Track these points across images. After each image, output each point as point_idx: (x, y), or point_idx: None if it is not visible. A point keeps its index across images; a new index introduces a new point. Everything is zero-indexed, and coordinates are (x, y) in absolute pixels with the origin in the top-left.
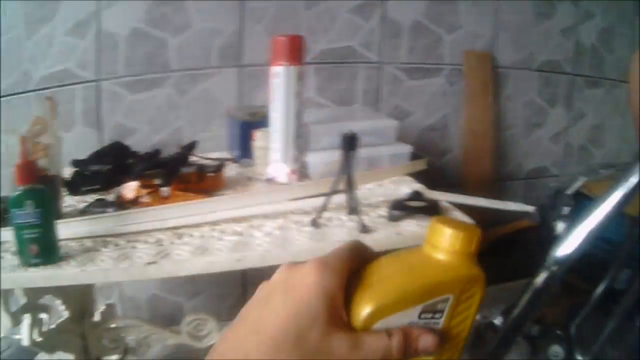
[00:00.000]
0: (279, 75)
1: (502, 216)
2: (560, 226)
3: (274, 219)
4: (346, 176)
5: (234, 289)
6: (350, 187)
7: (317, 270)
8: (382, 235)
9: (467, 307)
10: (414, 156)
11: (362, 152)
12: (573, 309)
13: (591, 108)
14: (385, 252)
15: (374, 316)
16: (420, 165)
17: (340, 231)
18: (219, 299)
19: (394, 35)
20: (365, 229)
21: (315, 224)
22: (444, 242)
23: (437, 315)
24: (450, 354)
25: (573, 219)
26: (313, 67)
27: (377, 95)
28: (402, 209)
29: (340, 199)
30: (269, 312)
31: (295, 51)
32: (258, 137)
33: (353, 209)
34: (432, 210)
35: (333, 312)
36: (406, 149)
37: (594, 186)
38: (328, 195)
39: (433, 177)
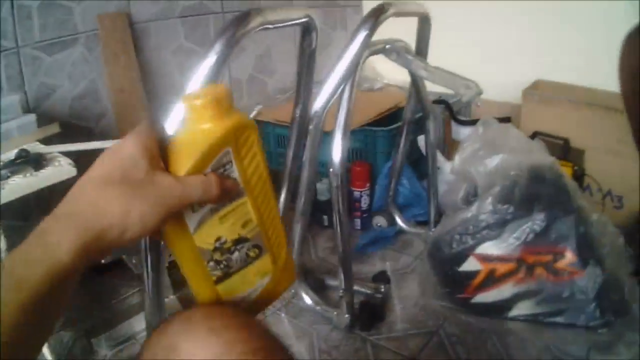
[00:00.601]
0: None
1: None
2: None
3: None
4: None
5: None
6: None
7: (132, 134)
8: None
9: (249, 150)
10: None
11: None
12: None
13: (252, 40)
14: None
15: None
16: (52, 129)
17: None
18: None
19: (26, 17)
20: None
21: None
22: (198, 115)
23: (227, 167)
24: (263, 196)
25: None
26: None
27: (22, 79)
28: (8, 167)
29: None
30: (99, 164)
31: None
32: None
33: None
34: (34, 162)
35: (152, 159)
36: (31, 118)
37: (271, 112)
38: None
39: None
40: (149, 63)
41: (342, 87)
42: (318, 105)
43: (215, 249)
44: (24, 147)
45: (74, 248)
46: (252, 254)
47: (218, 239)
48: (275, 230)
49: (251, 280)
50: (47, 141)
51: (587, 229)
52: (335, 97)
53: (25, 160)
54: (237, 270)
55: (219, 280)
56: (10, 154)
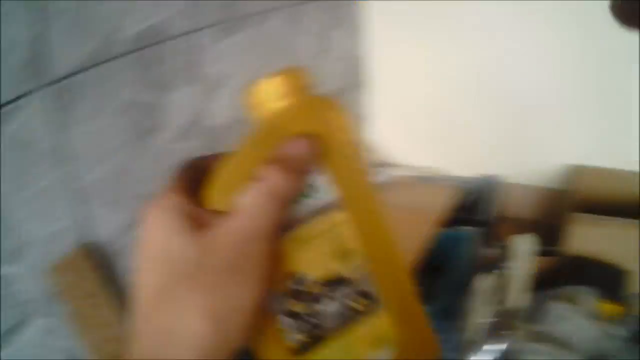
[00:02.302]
0: None
1: None
2: None
3: None
4: None
5: None
6: None
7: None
8: None
9: (343, 145)
10: None
11: None
12: None
13: None
14: None
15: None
16: None
17: None
18: None
19: None
20: None
21: None
22: (274, 92)
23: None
24: (370, 214)
25: None
26: None
27: None
28: None
29: None
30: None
31: None
32: None
33: None
34: None
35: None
36: None
37: None
38: None
39: None
40: None
41: None
42: None
43: (292, 293)
44: None
45: None
46: (357, 305)
47: (294, 277)
48: (395, 272)
49: (358, 351)
50: None
51: None
52: None
53: None
54: (332, 334)
55: (302, 349)
56: None
